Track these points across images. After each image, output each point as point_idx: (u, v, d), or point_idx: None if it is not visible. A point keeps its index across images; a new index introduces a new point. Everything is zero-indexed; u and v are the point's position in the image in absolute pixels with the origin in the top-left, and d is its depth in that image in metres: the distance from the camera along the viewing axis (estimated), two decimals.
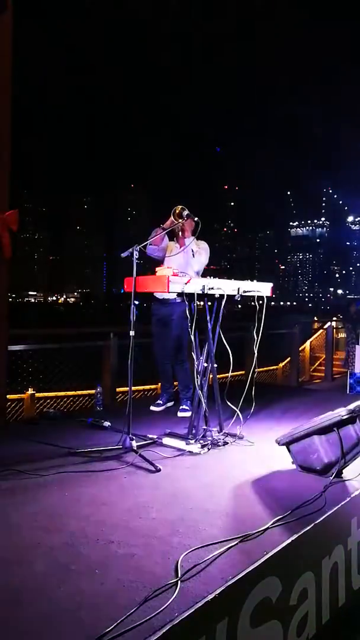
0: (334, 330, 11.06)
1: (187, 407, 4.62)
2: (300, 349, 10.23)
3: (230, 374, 4.02)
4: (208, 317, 3.81)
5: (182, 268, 4.24)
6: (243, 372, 7.67)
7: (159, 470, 3.10)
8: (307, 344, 11.00)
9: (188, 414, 4.30)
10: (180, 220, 4.31)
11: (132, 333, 3.54)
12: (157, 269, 3.79)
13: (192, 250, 4.52)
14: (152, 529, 2.29)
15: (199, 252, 4.58)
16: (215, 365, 3.92)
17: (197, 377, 3.82)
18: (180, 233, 4.62)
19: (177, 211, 4.31)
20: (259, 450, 3.64)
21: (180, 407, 4.72)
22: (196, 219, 4.34)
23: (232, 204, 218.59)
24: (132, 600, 1.70)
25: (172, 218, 4.35)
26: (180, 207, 4.33)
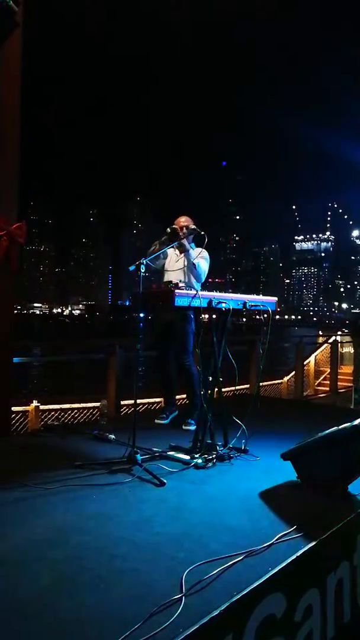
0: (339, 344, 11.03)
1: (192, 421, 4.61)
2: (305, 363, 10.20)
3: (235, 387, 4.02)
4: (214, 331, 3.82)
5: (183, 277, 4.29)
6: (248, 385, 7.68)
7: (164, 484, 3.09)
8: (311, 358, 10.96)
9: (193, 427, 4.30)
10: (183, 234, 4.39)
11: (138, 346, 3.56)
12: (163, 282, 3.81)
13: (193, 264, 4.51)
14: (157, 544, 2.29)
15: (200, 262, 4.55)
16: (221, 379, 3.92)
17: (202, 391, 3.82)
18: (181, 248, 4.63)
19: (180, 226, 4.41)
20: (264, 464, 3.63)
21: (186, 421, 4.71)
22: (202, 232, 4.37)
23: (237, 217, 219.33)
24: (137, 615, 1.69)
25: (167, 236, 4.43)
26: (182, 223, 4.43)
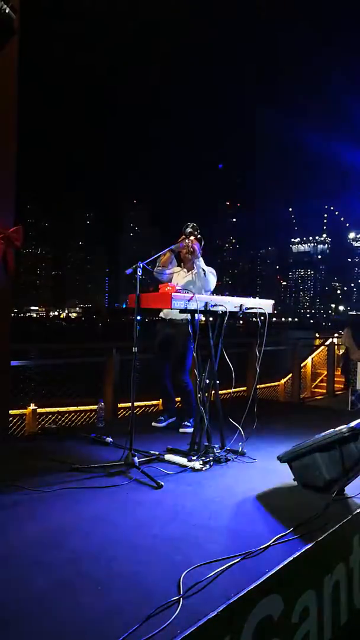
0: (336, 346, 11.04)
1: (189, 424, 4.62)
2: (302, 365, 10.21)
3: (232, 390, 4.03)
4: (210, 334, 3.83)
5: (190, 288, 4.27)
6: (245, 388, 7.69)
7: (161, 486, 3.10)
8: (308, 360, 10.97)
9: (190, 430, 4.30)
10: (186, 239, 4.37)
11: (135, 349, 3.57)
12: (160, 285, 3.81)
13: (204, 270, 4.48)
14: (154, 546, 2.30)
15: (208, 274, 4.49)
16: (218, 382, 3.93)
17: (199, 394, 3.83)
18: (189, 255, 4.59)
19: (188, 228, 4.39)
20: (260, 467, 3.64)
21: (183, 424, 4.72)
22: (199, 236, 4.38)
23: (234, 219, 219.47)
24: (135, 617, 1.70)
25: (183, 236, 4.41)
26: (192, 224, 4.40)
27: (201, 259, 4.47)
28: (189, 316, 3.92)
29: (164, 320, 4.75)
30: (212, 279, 4.49)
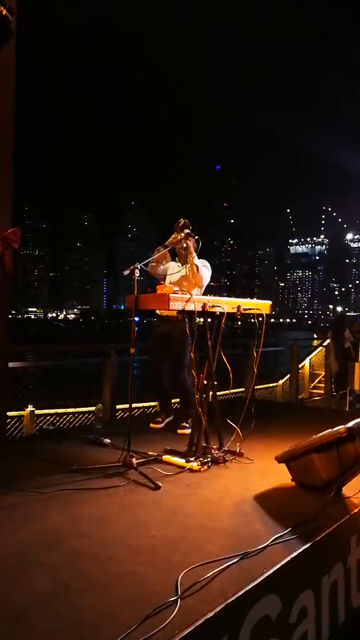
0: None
1: (187, 425, 4.62)
2: (299, 366, 10.22)
3: (230, 391, 4.03)
4: (208, 335, 3.84)
5: (185, 286, 4.27)
6: (243, 389, 7.69)
7: (159, 487, 3.10)
8: (306, 361, 10.98)
9: (188, 431, 4.31)
10: (181, 235, 4.34)
11: (132, 350, 3.57)
12: (158, 287, 3.82)
13: (197, 266, 4.51)
14: (153, 547, 2.30)
15: (201, 269, 4.53)
16: (215, 383, 3.94)
17: (197, 394, 3.83)
18: (183, 251, 4.60)
19: (180, 224, 4.35)
20: (258, 467, 3.64)
21: (181, 425, 4.72)
22: (196, 237, 4.38)
23: (232, 221, 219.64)
24: (133, 618, 1.70)
25: (174, 234, 4.38)
26: (184, 221, 4.37)
27: (195, 254, 4.49)
28: None
29: (160, 317, 4.75)
30: (205, 273, 4.52)
